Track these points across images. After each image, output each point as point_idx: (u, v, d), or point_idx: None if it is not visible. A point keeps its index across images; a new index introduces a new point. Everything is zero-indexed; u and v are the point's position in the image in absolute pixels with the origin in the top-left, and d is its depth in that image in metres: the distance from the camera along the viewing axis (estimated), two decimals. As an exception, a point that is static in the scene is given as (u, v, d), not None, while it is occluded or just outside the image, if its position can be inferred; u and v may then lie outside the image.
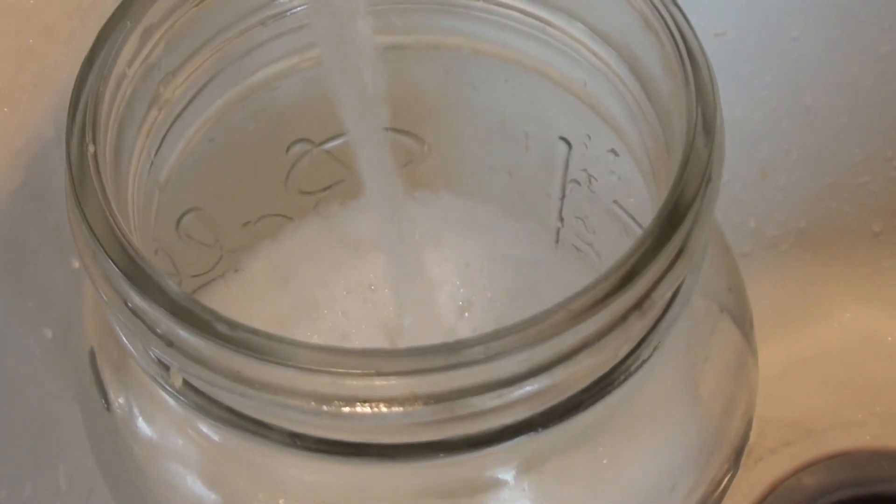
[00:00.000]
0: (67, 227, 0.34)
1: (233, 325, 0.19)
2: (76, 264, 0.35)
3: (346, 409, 0.19)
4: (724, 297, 0.26)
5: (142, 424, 0.25)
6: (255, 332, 0.19)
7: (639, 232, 0.31)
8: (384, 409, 0.19)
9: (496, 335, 0.19)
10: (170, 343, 0.19)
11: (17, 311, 0.33)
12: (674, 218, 0.20)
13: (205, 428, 0.23)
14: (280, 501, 0.22)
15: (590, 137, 0.31)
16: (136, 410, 0.25)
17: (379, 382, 0.18)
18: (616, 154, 0.30)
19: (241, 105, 0.29)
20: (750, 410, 0.26)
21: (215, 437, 0.23)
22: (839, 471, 0.49)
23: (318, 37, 0.24)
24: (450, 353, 0.18)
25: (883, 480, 0.48)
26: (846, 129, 0.47)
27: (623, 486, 0.24)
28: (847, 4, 0.43)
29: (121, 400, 0.25)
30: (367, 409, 0.18)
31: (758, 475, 0.49)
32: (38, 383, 0.35)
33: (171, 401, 0.23)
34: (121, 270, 0.20)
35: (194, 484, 0.24)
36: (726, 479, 0.27)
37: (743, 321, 0.26)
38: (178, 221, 0.31)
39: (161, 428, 0.24)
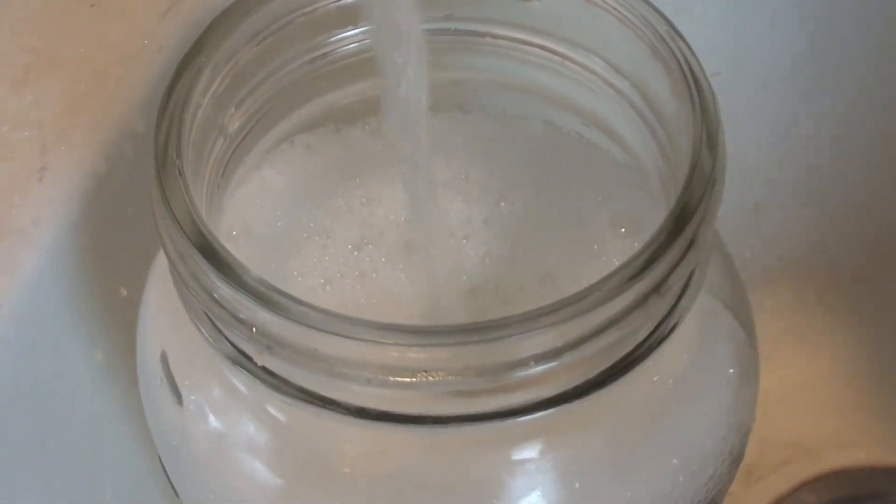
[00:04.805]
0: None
1: (311, 307, 0.22)
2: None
3: (409, 379, 0.22)
4: (728, 297, 0.29)
5: (211, 416, 0.27)
6: (330, 312, 0.22)
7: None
8: (442, 378, 0.21)
9: (538, 312, 0.22)
10: (253, 327, 0.22)
11: (73, 335, 0.36)
12: (685, 214, 0.23)
13: (273, 411, 0.26)
14: (346, 469, 0.25)
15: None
16: (205, 403, 0.27)
17: (439, 354, 0.21)
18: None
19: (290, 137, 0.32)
20: (753, 396, 0.29)
21: (283, 419, 0.26)
22: (836, 488, 0.50)
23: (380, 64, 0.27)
24: (499, 329, 0.21)
25: (877, 496, 0.50)
26: (835, 163, 0.50)
27: (634, 462, 0.27)
28: (831, 39, 0.46)
29: (192, 396, 0.28)
30: (428, 378, 0.21)
31: (759, 493, 0.50)
32: (88, 405, 0.37)
33: (242, 389, 0.26)
34: (210, 264, 0.23)
35: (262, 464, 0.26)
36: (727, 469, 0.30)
37: (744, 317, 0.29)
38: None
39: (231, 416, 0.27)
